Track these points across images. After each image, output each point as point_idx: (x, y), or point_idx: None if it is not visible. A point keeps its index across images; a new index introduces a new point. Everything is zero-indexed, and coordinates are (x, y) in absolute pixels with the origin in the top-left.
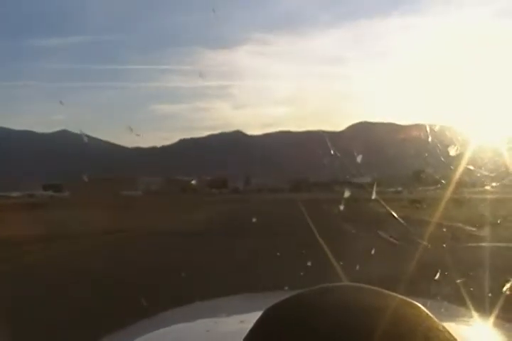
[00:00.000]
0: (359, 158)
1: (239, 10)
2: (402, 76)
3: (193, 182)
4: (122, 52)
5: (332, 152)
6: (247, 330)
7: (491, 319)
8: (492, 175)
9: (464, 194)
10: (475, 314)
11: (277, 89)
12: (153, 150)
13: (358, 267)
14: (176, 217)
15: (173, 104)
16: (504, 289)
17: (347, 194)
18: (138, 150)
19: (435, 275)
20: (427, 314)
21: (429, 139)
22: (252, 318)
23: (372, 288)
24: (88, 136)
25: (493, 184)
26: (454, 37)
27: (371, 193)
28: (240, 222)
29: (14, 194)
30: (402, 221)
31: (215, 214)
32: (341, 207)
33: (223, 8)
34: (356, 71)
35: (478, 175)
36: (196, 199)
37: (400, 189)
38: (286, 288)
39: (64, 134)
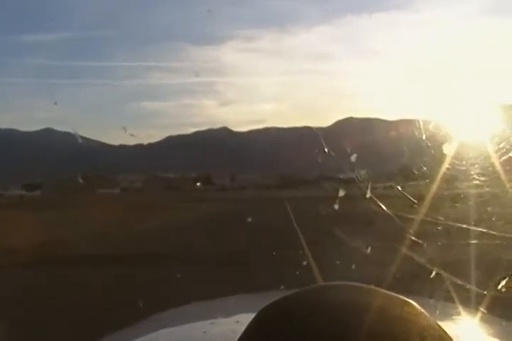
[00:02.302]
0: (347, 154)
1: (225, 6)
2: (388, 72)
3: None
4: (108, 49)
5: (319, 148)
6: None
7: (486, 317)
8: (481, 171)
9: (454, 189)
10: (469, 312)
11: (264, 85)
12: (139, 148)
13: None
14: (132, 223)
15: (159, 101)
16: (499, 287)
17: (336, 190)
18: (124, 148)
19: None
20: (423, 312)
21: (416, 134)
22: (247, 319)
23: (367, 286)
24: (73, 134)
25: (482, 179)
26: (442, 33)
27: (361, 189)
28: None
29: None
30: (398, 220)
31: (178, 220)
32: (330, 206)
33: (209, 5)
34: (342, 67)
35: (467, 170)
36: (173, 198)
37: (389, 184)
38: (282, 287)
39: (48, 132)
